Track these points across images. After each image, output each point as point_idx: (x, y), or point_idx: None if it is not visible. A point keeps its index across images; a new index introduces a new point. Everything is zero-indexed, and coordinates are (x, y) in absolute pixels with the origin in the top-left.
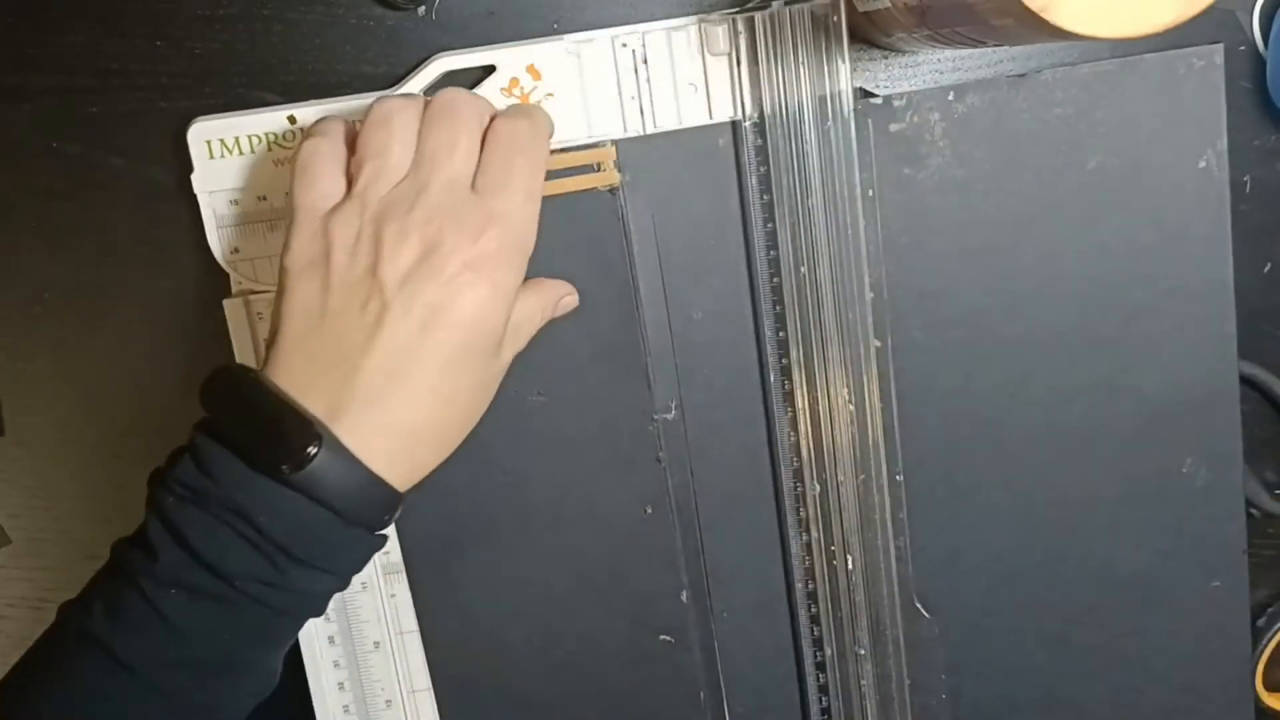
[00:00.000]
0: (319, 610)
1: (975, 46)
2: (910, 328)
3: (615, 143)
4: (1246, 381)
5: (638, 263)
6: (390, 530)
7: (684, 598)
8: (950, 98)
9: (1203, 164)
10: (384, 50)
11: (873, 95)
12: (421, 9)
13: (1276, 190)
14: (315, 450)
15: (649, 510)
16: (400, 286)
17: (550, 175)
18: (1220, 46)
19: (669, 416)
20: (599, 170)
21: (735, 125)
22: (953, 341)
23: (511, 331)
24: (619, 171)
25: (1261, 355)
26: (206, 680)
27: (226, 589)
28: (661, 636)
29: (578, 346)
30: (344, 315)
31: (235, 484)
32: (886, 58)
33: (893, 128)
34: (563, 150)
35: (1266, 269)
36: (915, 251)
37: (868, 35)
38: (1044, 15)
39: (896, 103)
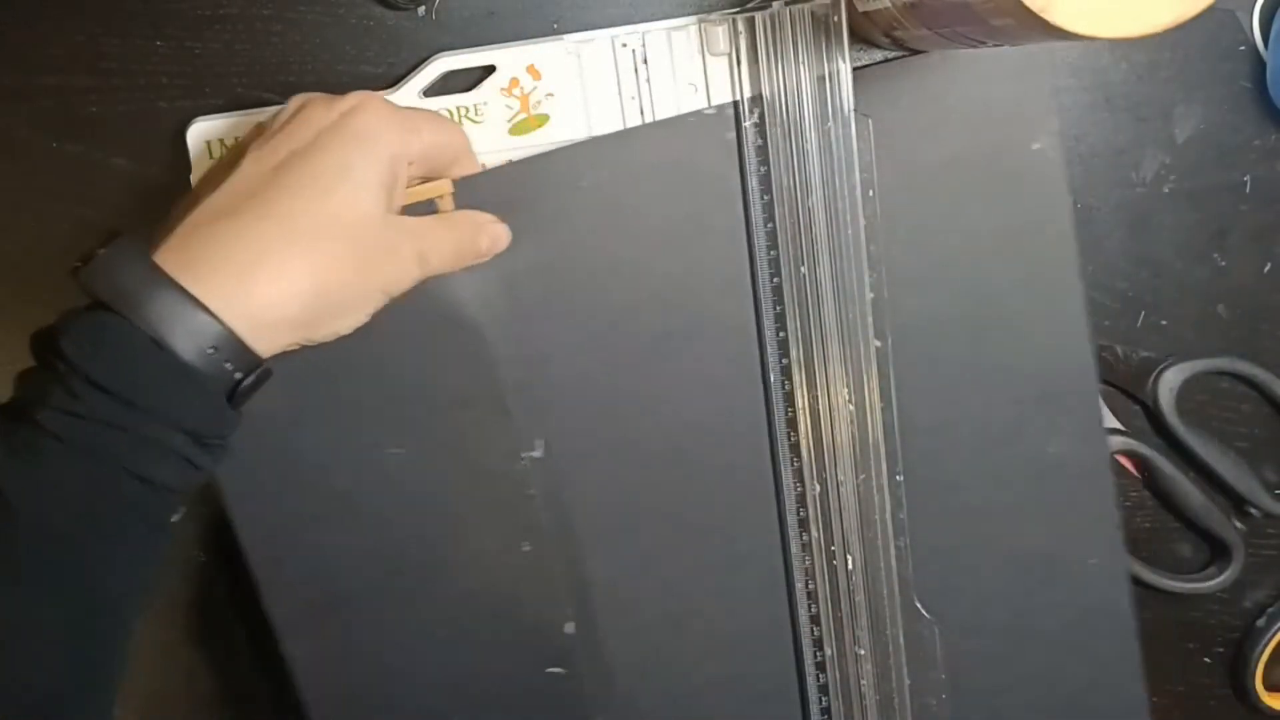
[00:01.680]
0: (158, 475)
1: (975, 46)
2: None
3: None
4: (1246, 381)
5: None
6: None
7: (569, 629)
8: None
9: (1037, 146)
10: (384, 50)
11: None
12: (421, 9)
13: (1276, 190)
14: (104, 250)
15: (526, 547)
16: (261, 142)
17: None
18: None
19: (536, 454)
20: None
21: (736, 111)
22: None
23: (415, 237)
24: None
25: (1261, 355)
26: (53, 568)
27: (34, 434)
28: (550, 669)
29: (434, 393)
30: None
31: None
32: (886, 58)
33: (727, 135)
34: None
35: (1266, 269)
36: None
37: (868, 35)
38: (1044, 15)
39: (727, 111)
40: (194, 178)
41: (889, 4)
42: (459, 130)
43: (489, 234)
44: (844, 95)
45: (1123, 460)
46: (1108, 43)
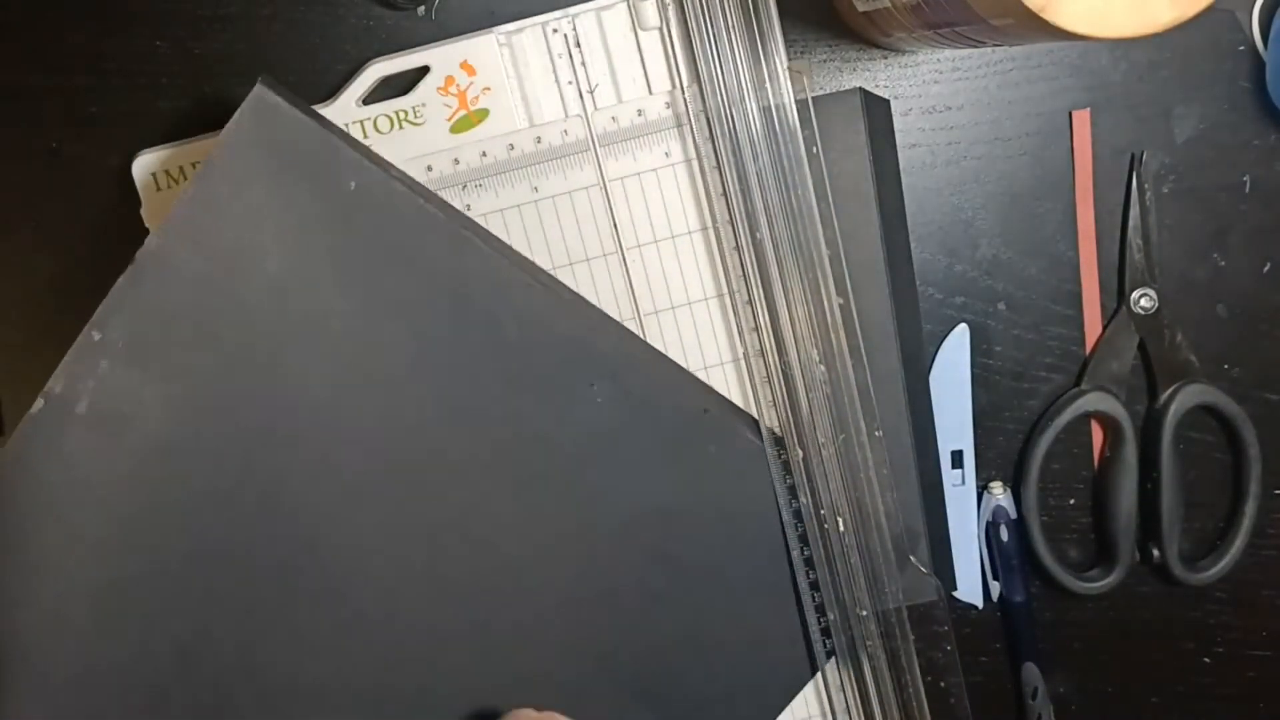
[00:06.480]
0: None
1: (975, 46)
2: None
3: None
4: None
5: None
6: None
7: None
8: None
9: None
10: (384, 50)
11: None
12: (421, 9)
13: (1276, 190)
14: None
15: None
16: None
17: None
18: None
19: None
20: None
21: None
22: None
23: None
24: None
25: (1261, 355)
26: None
27: None
28: None
29: None
30: None
31: None
32: (886, 58)
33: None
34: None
35: (1266, 269)
36: None
37: (868, 35)
38: (1044, 15)
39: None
40: (144, 212)
41: (889, 4)
42: None
43: None
44: (778, 62)
45: (1094, 424)
46: (1108, 43)
